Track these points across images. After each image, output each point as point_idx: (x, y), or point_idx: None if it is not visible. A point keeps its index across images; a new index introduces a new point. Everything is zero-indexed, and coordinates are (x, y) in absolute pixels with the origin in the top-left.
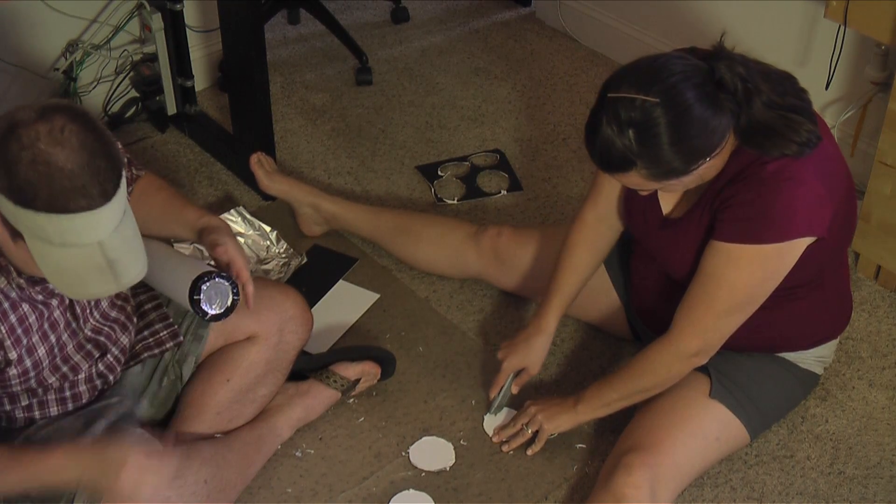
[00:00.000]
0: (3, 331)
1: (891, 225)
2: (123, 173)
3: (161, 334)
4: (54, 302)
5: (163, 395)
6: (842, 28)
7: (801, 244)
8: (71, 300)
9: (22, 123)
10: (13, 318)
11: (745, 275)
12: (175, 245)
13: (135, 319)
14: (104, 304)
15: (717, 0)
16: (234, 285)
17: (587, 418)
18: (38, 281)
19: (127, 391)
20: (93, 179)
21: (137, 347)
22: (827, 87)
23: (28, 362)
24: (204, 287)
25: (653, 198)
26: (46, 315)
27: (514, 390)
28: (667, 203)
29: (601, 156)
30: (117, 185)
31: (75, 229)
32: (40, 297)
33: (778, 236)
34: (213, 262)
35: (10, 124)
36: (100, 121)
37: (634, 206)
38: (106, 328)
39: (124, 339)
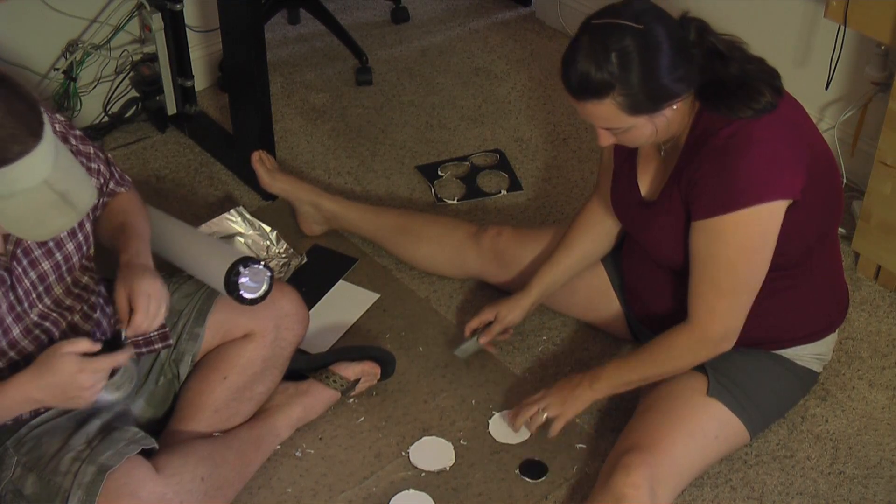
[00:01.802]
0: None
1: (891, 225)
2: (42, 110)
3: (151, 334)
4: None
5: (160, 394)
6: (842, 28)
7: (777, 207)
8: (12, 282)
9: None
10: None
11: (733, 247)
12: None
13: (108, 309)
14: (58, 290)
15: (717, 0)
16: (272, 274)
17: (603, 396)
18: None
19: None
20: (18, 124)
21: (126, 344)
22: (827, 87)
23: None
24: (245, 270)
25: (632, 178)
26: None
27: (482, 341)
28: (644, 182)
29: (580, 80)
30: (41, 122)
31: (19, 176)
32: None
33: (747, 199)
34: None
35: None
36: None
37: (617, 191)
38: (54, 314)
39: (87, 328)
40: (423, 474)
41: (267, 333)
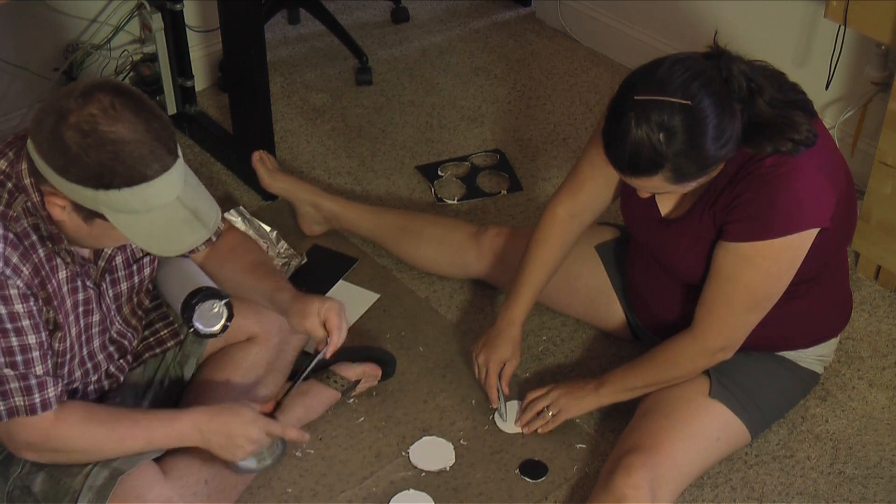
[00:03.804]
0: (50, 289)
1: (891, 225)
2: (172, 125)
3: (161, 333)
4: (91, 292)
5: (164, 396)
6: (842, 28)
7: (809, 235)
8: (100, 295)
9: (71, 112)
10: (55, 280)
11: (760, 272)
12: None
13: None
14: (126, 310)
15: (717, 0)
16: (230, 307)
17: (608, 402)
18: (81, 263)
19: (129, 392)
20: (157, 141)
21: (139, 348)
22: (827, 87)
23: (66, 342)
24: (198, 306)
25: (650, 199)
26: (83, 297)
27: (506, 389)
28: (665, 204)
29: (629, 159)
30: (176, 141)
31: (157, 193)
32: (79, 281)
33: (785, 229)
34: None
35: (59, 115)
36: (131, 85)
37: (633, 207)
38: (129, 332)
39: (135, 343)
40: (423, 474)
41: (271, 337)
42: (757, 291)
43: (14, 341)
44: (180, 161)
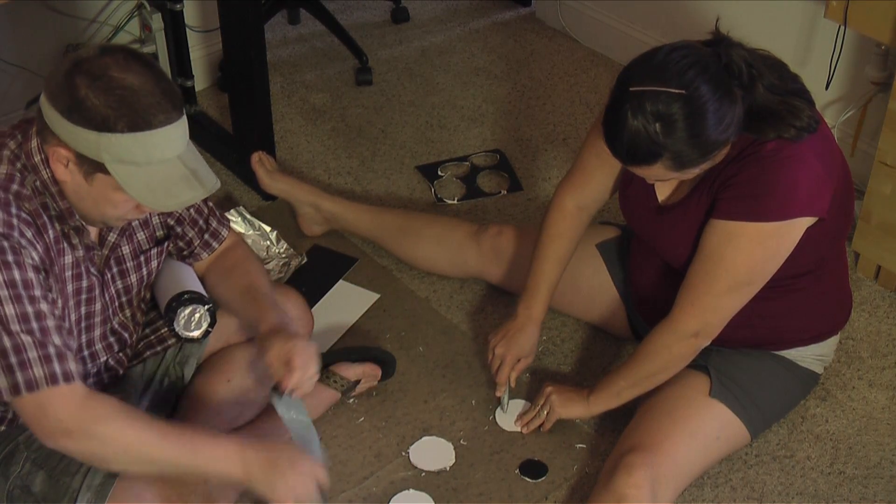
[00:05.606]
0: (56, 270)
1: (891, 225)
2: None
3: (163, 331)
4: (94, 280)
5: (164, 396)
6: (842, 28)
7: (801, 224)
8: (102, 286)
9: (86, 60)
10: (59, 264)
11: (745, 253)
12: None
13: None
14: (136, 303)
15: (717, 0)
16: (213, 314)
17: (599, 409)
18: (91, 247)
19: (129, 391)
20: (164, 96)
21: (140, 346)
22: (827, 87)
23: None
24: (180, 309)
25: (648, 186)
26: (86, 285)
27: (513, 383)
28: (663, 190)
29: (628, 149)
30: (182, 102)
31: (158, 145)
32: (83, 268)
33: (779, 214)
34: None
35: (74, 63)
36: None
37: (630, 195)
38: (131, 326)
39: (135, 337)
40: (423, 474)
41: None
42: (738, 273)
43: (29, 308)
44: (185, 121)
